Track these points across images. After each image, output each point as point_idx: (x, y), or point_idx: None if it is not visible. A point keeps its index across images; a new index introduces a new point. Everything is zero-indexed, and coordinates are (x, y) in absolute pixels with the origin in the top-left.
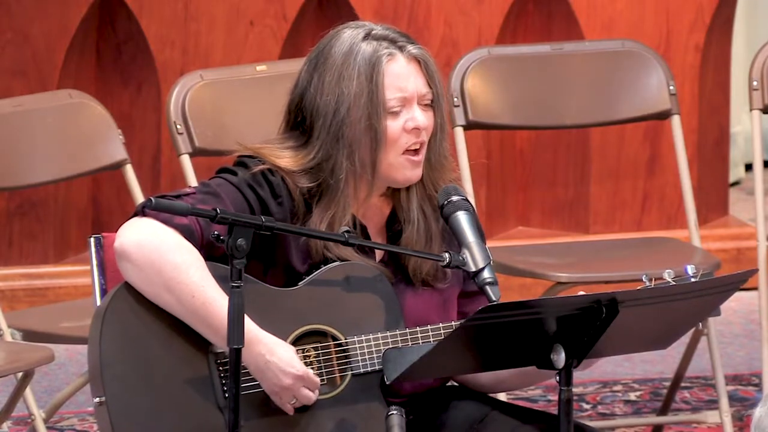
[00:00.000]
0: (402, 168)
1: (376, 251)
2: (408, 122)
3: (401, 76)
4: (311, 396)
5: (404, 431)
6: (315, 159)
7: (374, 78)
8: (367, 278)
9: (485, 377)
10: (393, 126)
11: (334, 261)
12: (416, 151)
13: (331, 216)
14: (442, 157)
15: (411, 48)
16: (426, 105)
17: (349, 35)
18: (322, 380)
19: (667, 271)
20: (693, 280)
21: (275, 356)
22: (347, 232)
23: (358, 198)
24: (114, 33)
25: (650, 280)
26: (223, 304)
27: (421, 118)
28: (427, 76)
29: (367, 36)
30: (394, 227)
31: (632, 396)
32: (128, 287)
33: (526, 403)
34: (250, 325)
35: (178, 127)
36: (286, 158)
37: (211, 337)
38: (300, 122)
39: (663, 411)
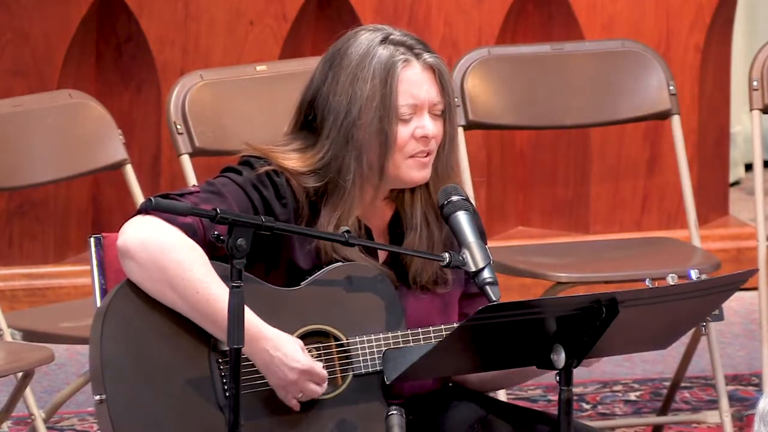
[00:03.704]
0: (408, 169)
1: (380, 254)
2: (417, 130)
3: (415, 83)
4: (317, 390)
5: (404, 431)
6: (324, 159)
7: (389, 82)
8: (368, 278)
9: (472, 375)
10: (403, 132)
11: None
12: (425, 155)
13: (338, 216)
14: (449, 168)
15: (427, 56)
16: (437, 115)
17: (366, 37)
18: None
19: (671, 275)
20: None
21: (280, 351)
22: (347, 232)
23: (364, 200)
24: (114, 33)
25: (653, 282)
26: (227, 300)
27: (431, 126)
28: (441, 85)
29: (385, 40)
30: (396, 231)
31: (632, 396)
32: (129, 286)
33: (526, 403)
34: (254, 320)
35: (178, 127)
36: (294, 160)
37: (216, 332)
38: (311, 121)
39: (663, 411)
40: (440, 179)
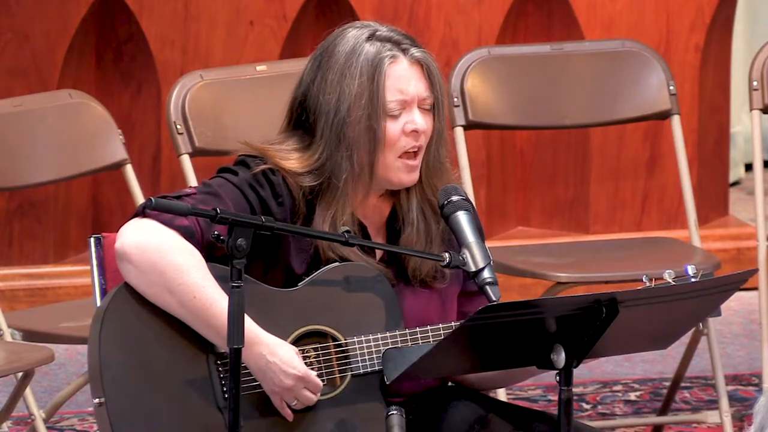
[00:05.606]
0: (397, 171)
1: (377, 251)
2: (407, 125)
3: (403, 78)
4: (312, 397)
5: (404, 431)
6: (320, 159)
7: (376, 79)
8: (366, 278)
9: (472, 374)
10: (392, 128)
11: (336, 261)
12: (414, 155)
13: (332, 215)
14: (439, 162)
15: (414, 51)
16: (426, 109)
17: (353, 35)
18: (321, 381)
19: (668, 271)
20: (693, 280)
21: (276, 357)
22: (347, 232)
23: (356, 199)
24: (114, 33)
25: (650, 280)
26: (224, 305)
27: (421, 121)
28: (429, 80)
29: (372, 36)
30: (394, 227)
31: (632, 396)
32: (128, 288)
33: (526, 403)
34: (250, 325)
35: (178, 127)
36: (292, 160)
37: (212, 337)
38: (303, 120)
39: (663, 411)
40: (431, 172)
